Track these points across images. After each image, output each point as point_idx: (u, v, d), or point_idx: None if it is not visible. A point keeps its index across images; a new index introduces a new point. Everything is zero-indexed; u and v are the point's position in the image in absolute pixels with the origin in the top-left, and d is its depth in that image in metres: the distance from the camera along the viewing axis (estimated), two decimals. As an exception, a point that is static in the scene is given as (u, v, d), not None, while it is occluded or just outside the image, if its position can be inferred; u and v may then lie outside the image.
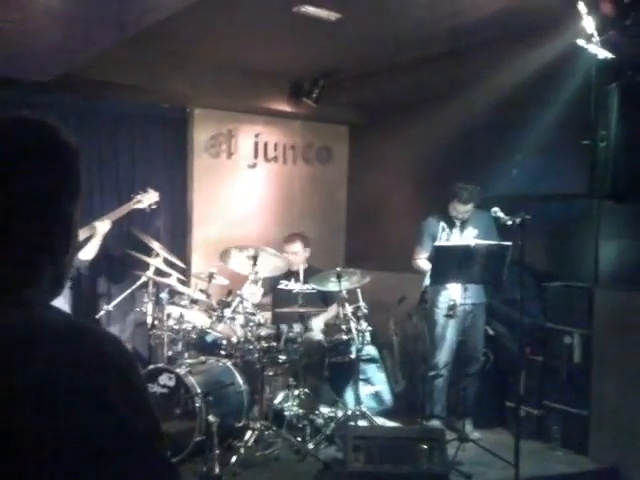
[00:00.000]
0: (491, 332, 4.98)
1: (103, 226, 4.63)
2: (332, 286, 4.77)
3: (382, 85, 5.75)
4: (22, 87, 4.79)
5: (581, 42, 3.79)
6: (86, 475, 0.82)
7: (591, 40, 3.76)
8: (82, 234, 4.47)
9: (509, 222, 4.02)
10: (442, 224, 4.79)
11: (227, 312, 4.52)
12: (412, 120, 5.90)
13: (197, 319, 4.68)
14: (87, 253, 4.61)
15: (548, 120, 4.64)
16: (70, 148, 0.97)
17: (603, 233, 4.48)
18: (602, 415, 4.37)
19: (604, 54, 3.80)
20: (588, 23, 3.70)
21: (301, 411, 4.53)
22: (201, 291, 4.79)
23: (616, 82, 3.73)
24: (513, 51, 4.45)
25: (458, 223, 4.71)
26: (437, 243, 4.63)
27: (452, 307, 4.42)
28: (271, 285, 5.33)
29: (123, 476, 0.84)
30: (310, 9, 4.22)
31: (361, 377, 4.92)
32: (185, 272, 5.50)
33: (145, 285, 4.91)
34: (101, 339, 0.91)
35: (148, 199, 4.96)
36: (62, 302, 4.19)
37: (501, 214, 4.13)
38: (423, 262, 4.80)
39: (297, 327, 4.71)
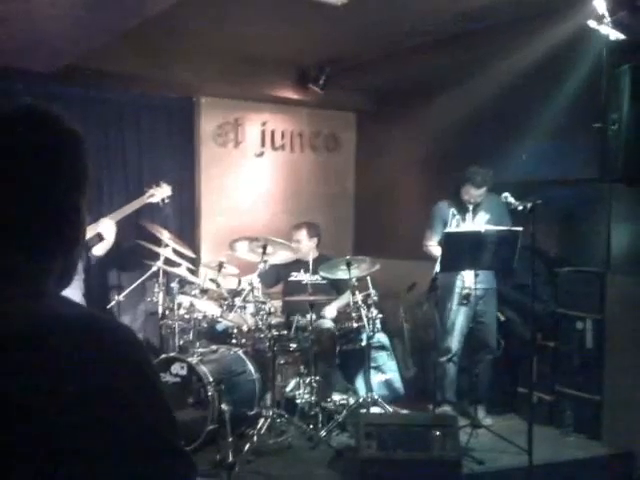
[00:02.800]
0: (502, 318, 4.96)
1: (109, 227, 4.52)
2: (342, 274, 4.76)
3: (389, 71, 5.70)
4: (27, 78, 4.78)
5: (592, 23, 3.74)
6: (104, 473, 0.81)
7: (602, 21, 3.72)
8: (89, 232, 4.43)
9: (520, 207, 3.99)
10: (452, 210, 4.76)
11: (237, 301, 4.53)
12: (420, 106, 5.86)
13: (208, 308, 4.68)
14: (99, 249, 4.58)
15: (559, 103, 4.59)
16: (75, 137, 0.96)
17: (615, 217, 4.44)
18: (615, 400, 4.36)
19: (615, 35, 3.75)
20: (599, 4, 3.65)
21: (313, 399, 4.53)
22: (211, 280, 4.79)
23: (628, 64, 3.69)
24: (523, 34, 4.39)
25: (470, 207, 4.68)
26: (447, 229, 4.60)
27: (467, 296, 4.41)
28: (281, 275, 5.33)
29: (141, 472, 0.84)
30: (316, -6, 4.18)
31: (372, 365, 4.92)
32: (195, 261, 5.50)
33: (155, 275, 4.91)
34: (113, 331, 0.90)
35: (161, 193, 4.93)
36: (75, 293, 4.20)
37: (511, 199, 4.10)
38: (435, 248, 4.78)
39: (308, 315, 4.69)
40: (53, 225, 0.92)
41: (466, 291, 4.44)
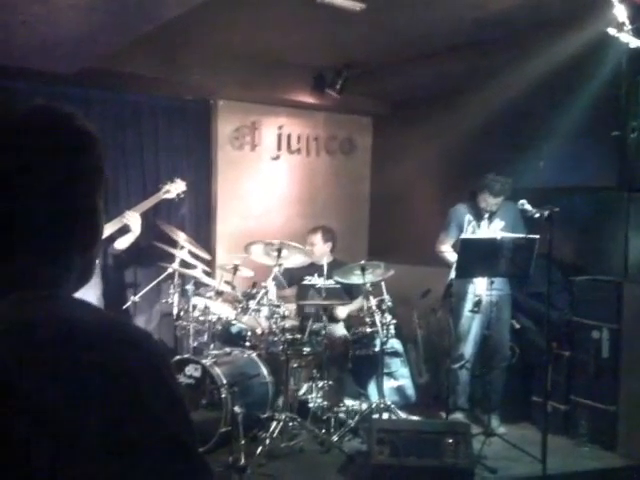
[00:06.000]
0: (517, 326, 4.93)
1: (134, 219, 4.63)
2: (356, 279, 4.75)
3: (406, 76, 5.69)
4: (46, 79, 4.83)
5: (612, 31, 3.71)
6: (120, 477, 0.81)
7: (622, 29, 3.68)
8: (112, 226, 4.50)
9: (537, 215, 3.96)
10: (468, 216, 4.75)
11: (252, 304, 4.54)
12: (436, 111, 5.84)
13: (222, 310, 4.70)
14: (122, 243, 4.65)
15: (577, 111, 4.56)
16: (90, 137, 0.95)
17: (632, 226, 4.40)
18: (630, 411, 4.31)
19: (635, 43, 3.72)
20: (619, 11, 3.62)
21: (325, 403, 4.53)
22: (226, 283, 4.80)
23: (648, 72, 3.66)
24: (541, 41, 4.37)
25: (486, 215, 4.66)
26: (463, 236, 4.58)
27: (477, 303, 4.38)
28: (294, 279, 5.33)
29: (157, 477, 0.84)
30: (335, -1, 4.19)
31: (385, 371, 4.90)
32: (210, 264, 5.52)
33: (171, 276, 4.93)
34: (132, 335, 0.90)
35: (176, 189, 4.98)
36: (92, 292, 4.23)
37: (528, 207, 4.07)
38: (448, 254, 4.76)
39: (322, 319, 4.69)
40: (71, 226, 0.92)
41: (477, 298, 4.41)
